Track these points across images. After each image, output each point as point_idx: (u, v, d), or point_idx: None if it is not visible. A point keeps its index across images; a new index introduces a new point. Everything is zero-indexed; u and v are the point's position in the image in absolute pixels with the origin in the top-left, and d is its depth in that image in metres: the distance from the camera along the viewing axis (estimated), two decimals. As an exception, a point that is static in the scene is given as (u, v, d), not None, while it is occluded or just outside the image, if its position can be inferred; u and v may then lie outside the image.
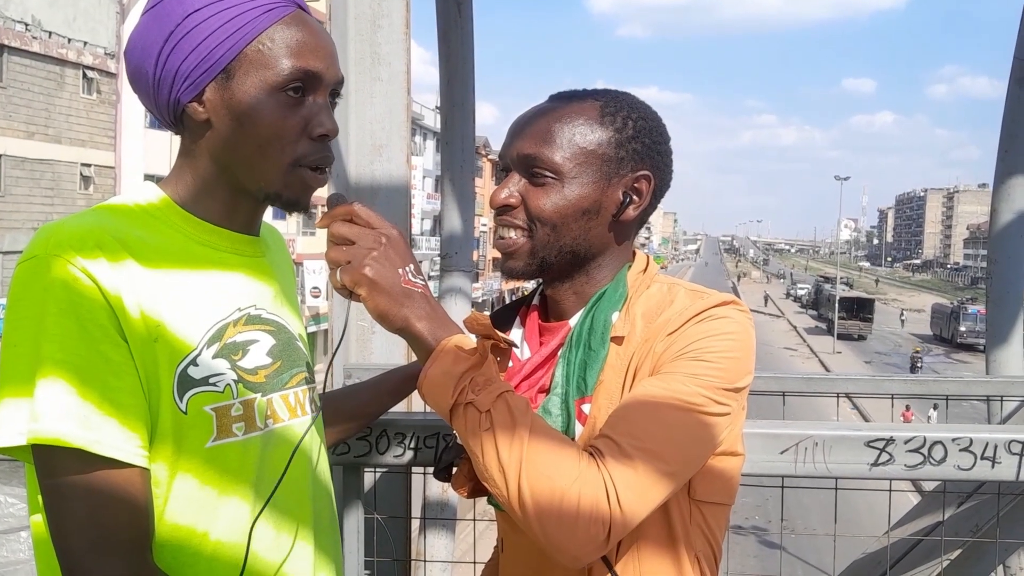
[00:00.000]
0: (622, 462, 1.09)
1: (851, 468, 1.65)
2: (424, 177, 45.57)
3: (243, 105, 1.13)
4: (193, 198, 1.19)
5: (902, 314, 68.96)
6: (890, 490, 2.05)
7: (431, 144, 47.65)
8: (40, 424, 0.98)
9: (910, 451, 1.64)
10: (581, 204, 1.27)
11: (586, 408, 1.24)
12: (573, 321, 1.32)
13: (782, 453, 1.68)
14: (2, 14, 21.12)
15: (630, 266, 1.34)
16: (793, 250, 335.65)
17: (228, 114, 1.14)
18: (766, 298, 79.64)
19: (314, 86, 1.16)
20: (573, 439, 1.23)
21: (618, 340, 1.26)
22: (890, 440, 1.64)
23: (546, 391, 1.29)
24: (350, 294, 1.16)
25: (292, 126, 1.15)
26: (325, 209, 1.23)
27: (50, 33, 22.53)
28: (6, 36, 21.19)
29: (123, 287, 1.04)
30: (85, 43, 23.62)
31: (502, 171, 1.34)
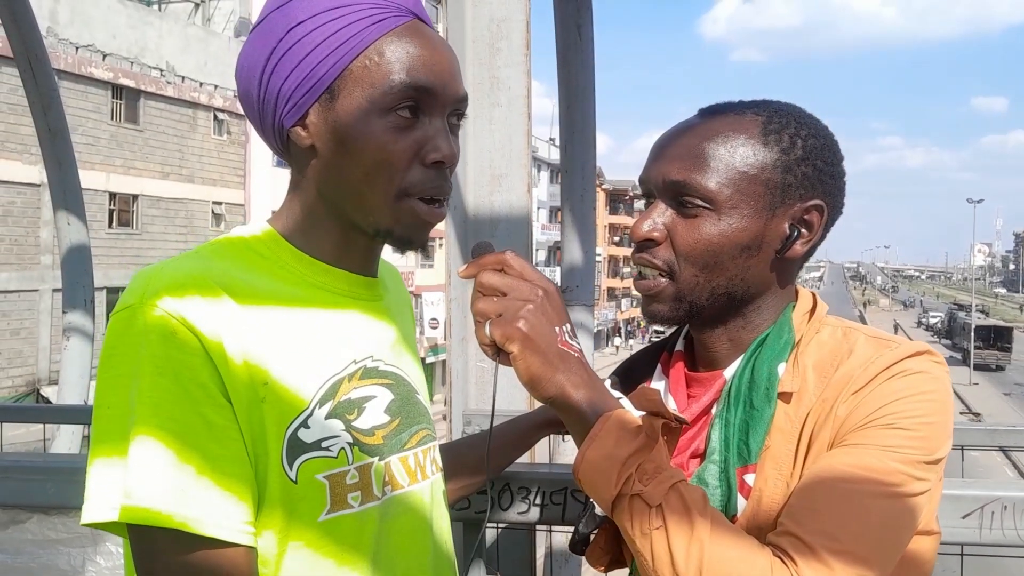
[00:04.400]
0: (819, 571, 0.90)
1: (1049, 536, 1.42)
2: (538, 208, 45.87)
3: (347, 128, 0.99)
4: (303, 235, 1.07)
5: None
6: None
7: (545, 175, 48.00)
8: (133, 500, 0.86)
9: (1121, 514, 1.40)
10: (739, 239, 1.09)
11: (749, 479, 1.05)
12: (728, 372, 1.13)
13: (964, 518, 1.47)
14: (139, 61, 22.43)
15: (794, 306, 1.15)
16: (923, 276, 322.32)
17: (332, 139, 1.01)
18: (896, 327, 76.61)
19: (429, 105, 1.01)
20: (735, 515, 1.05)
21: (786, 397, 1.06)
22: (1095, 502, 1.40)
23: (699, 456, 1.11)
24: (497, 352, 1.01)
25: (402, 151, 1.00)
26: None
27: (183, 78, 23.80)
28: (143, 82, 22.49)
29: (226, 339, 0.92)
30: (216, 87, 24.85)
31: (643, 197, 1.17)
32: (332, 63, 0.98)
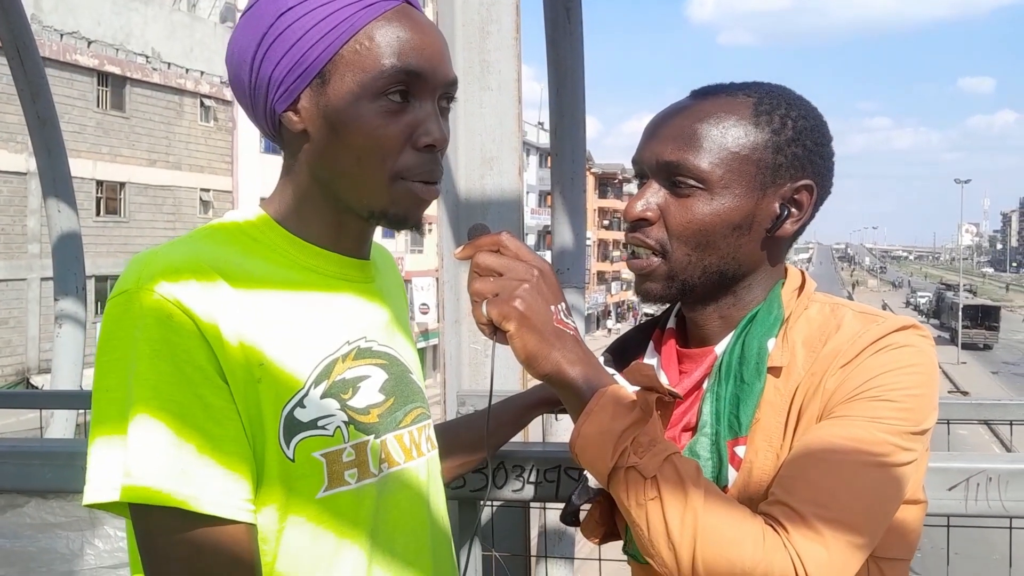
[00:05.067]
0: (809, 538, 0.93)
1: (1035, 507, 1.44)
2: (528, 193, 45.86)
3: (339, 113, 1.00)
4: (296, 218, 1.08)
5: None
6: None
7: (534, 159, 47.96)
8: (133, 479, 0.88)
9: (1109, 485, 1.43)
10: (731, 218, 1.10)
11: (740, 451, 1.08)
12: (719, 348, 1.15)
13: (950, 490, 1.49)
14: (124, 48, 22.26)
15: (783, 283, 1.17)
16: (911, 257, 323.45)
17: (324, 124, 1.02)
18: (884, 307, 77.02)
19: (420, 89, 1.02)
20: (726, 486, 1.07)
21: (775, 371, 1.08)
22: (1081, 473, 1.43)
23: (691, 430, 1.14)
24: (494, 331, 1.03)
25: (394, 135, 1.01)
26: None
27: (169, 64, 23.64)
28: (129, 69, 22.33)
29: (222, 321, 0.93)
30: (202, 73, 24.71)
31: (637, 177, 1.19)
32: (323, 48, 0.99)
